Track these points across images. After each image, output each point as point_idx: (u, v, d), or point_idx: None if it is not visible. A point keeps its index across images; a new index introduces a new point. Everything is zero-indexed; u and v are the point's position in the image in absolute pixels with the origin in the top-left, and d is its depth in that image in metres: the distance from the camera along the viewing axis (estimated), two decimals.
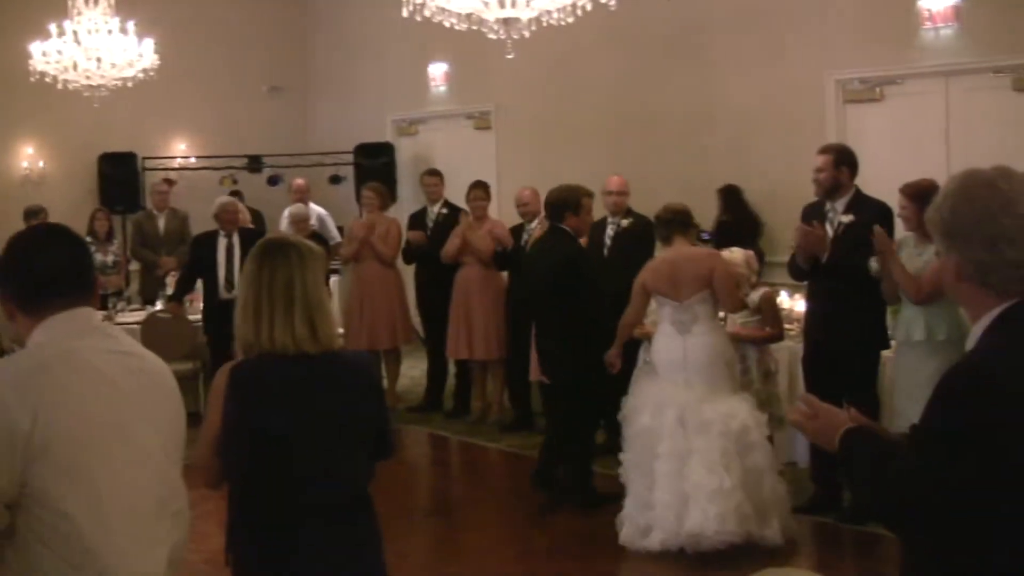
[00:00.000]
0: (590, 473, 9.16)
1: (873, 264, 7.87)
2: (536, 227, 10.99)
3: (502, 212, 12.79)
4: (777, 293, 9.57)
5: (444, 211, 12.30)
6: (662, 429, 7.97)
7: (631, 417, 8.25)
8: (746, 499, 7.74)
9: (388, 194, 13.05)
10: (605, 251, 10.35)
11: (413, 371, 13.78)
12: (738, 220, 11.64)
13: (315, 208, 14.48)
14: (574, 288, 8.81)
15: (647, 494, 7.99)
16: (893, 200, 8.00)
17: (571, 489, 9.13)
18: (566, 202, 8.98)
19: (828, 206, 8.40)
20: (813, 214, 8.49)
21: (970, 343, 3.02)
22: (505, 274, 11.66)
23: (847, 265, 8.12)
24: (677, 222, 8.47)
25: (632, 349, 9.07)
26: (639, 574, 8.01)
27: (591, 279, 8.89)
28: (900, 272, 7.59)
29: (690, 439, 7.89)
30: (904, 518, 2.99)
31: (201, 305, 11.95)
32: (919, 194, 7.59)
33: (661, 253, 8.68)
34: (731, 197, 11.86)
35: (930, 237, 7.70)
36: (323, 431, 3.85)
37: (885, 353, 8.51)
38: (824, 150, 8.51)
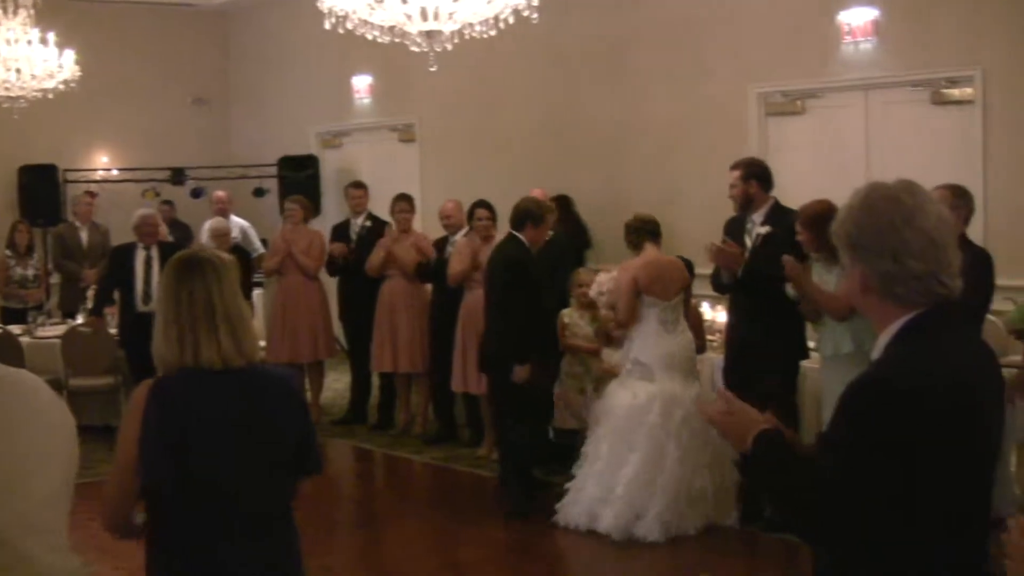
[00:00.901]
0: (520, 475, 9.33)
1: (789, 290, 7.94)
2: (460, 238, 11.03)
3: (426, 224, 12.80)
4: (699, 304, 9.67)
5: (368, 223, 12.29)
6: (670, 426, 8.40)
7: (635, 415, 8.51)
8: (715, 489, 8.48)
9: (311, 207, 13.05)
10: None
11: (337, 384, 13.78)
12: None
13: (237, 220, 14.44)
14: (520, 290, 9.04)
15: (642, 484, 8.35)
16: None
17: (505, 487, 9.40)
18: (529, 212, 9.27)
19: (748, 218, 8.52)
20: (734, 226, 8.61)
21: (875, 354, 3.07)
22: (429, 287, 11.66)
23: (766, 277, 8.21)
24: (647, 230, 8.88)
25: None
26: None
27: (535, 285, 9.11)
28: (819, 295, 7.64)
29: (682, 437, 8.40)
30: (806, 525, 3.04)
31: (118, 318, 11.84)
32: (812, 220, 7.56)
33: (638, 257, 8.86)
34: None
35: (836, 258, 7.85)
36: (246, 446, 3.83)
37: (805, 363, 8.62)
38: (734, 166, 8.62)
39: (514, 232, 9.33)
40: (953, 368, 2.96)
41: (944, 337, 3.01)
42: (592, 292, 9.27)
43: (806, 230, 7.70)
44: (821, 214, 7.46)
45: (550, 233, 9.67)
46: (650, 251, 8.85)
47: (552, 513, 8.74)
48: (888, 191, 3.04)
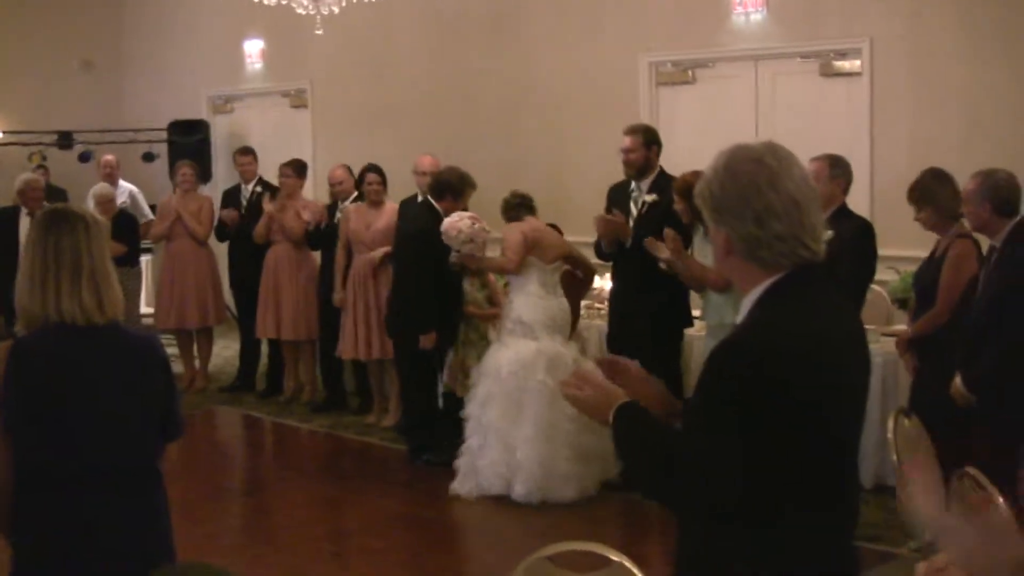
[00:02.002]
0: (421, 427, 9.69)
1: (661, 265, 7.98)
2: (349, 204, 11.01)
3: (319, 191, 12.71)
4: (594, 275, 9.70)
5: (258, 190, 12.19)
6: (555, 388, 8.30)
7: (521, 374, 8.56)
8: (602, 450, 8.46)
9: (201, 172, 12.90)
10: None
11: (226, 351, 13.67)
12: None
13: (126, 185, 14.22)
14: (430, 259, 9.19)
15: (541, 444, 8.48)
16: None
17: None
18: (451, 185, 9.44)
19: (633, 186, 8.54)
20: (619, 194, 8.65)
21: (740, 317, 3.07)
22: (317, 254, 11.60)
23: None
24: (525, 205, 9.10)
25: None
26: (448, 547, 8.16)
27: (444, 254, 9.18)
28: (699, 269, 7.69)
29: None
30: (667, 493, 3.06)
31: None
32: (688, 189, 7.62)
33: (527, 222, 8.99)
34: None
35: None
36: (106, 403, 3.79)
37: (690, 331, 8.70)
38: (633, 130, 8.64)
39: (432, 201, 9.46)
40: (814, 331, 2.96)
41: (806, 300, 3.01)
42: (453, 242, 9.05)
43: (681, 199, 7.78)
44: (692, 183, 7.54)
45: None
46: (531, 221, 9.01)
47: (439, 480, 8.78)
48: (751, 153, 3.03)
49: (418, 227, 9.49)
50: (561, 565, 4.00)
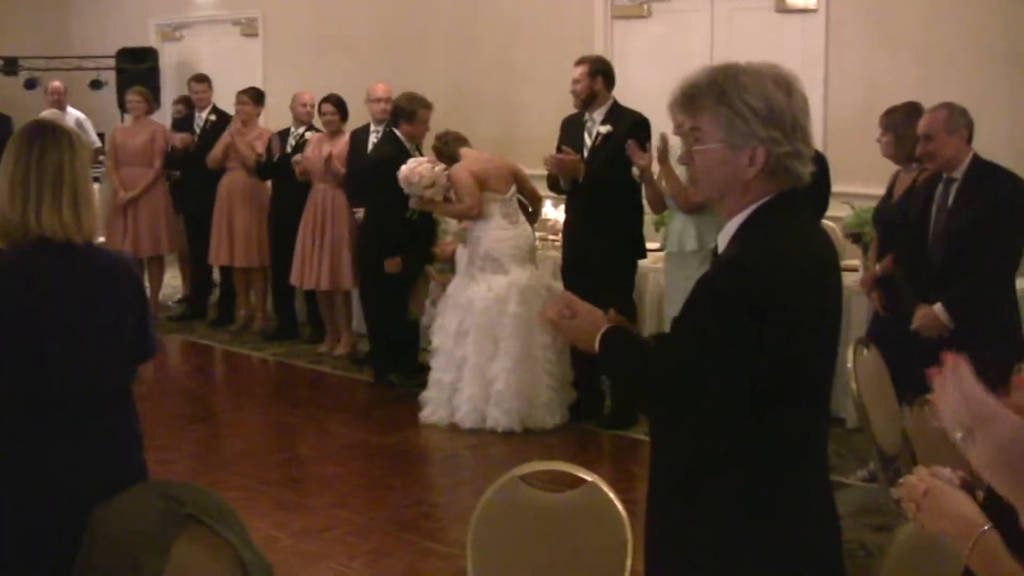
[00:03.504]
0: (388, 349, 9.88)
1: (635, 170, 8.04)
2: (303, 132, 11.06)
3: (269, 120, 12.60)
4: (542, 203, 9.70)
5: (212, 117, 12.12)
6: (532, 315, 8.34)
7: (494, 308, 8.60)
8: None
9: (153, 99, 12.78)
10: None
11: (176, 280, 13.57)
12: None
13: (74, 112, 14.06)
14: (392, 185, 9.09)
15: (521, 374, 8.54)
16: (657, 117, 8.15)
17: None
18: (400, 110, 9.58)
19: (587, 117, 8.56)
20: (572, 125, 8.64)
21: (722, 241, 3.08)
22: (269, 183, 11.54)
23: (604, 178, 8.28)
24: (455, 139, 9.06)
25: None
26: (407, 473, 8.17)
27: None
28: (677, 183, 7.71)
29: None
30: (672, 406, 3.06)
31: None
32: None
33: (466, 156, 8.94)
34: None
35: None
36: (82, 322, 3.77)
37: (643, 263, 8.74)
38: (580, 61, 8.63)
39: (392, 129, 9.63)
40: (811, 252, 3.02)
41: (797, 223, 3.05)
42: (415, 188, 8.98)
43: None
44: None
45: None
46: (470, 154, 8.98)
47: (395, 408, 8.85)
48: (761, 65, 3.05)
49: (380, 155, 9.63)
50: (534, 486, 4.02)
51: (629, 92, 9.01)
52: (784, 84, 3.00)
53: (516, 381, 8.49)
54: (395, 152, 9.36)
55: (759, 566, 3.00)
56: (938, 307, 6.31)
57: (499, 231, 8.75)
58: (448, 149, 8.99)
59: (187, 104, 12.52)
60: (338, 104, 10.65)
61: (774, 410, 2.94)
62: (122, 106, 14.76)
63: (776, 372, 2.90)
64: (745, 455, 2.99)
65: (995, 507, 2.51)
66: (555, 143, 8.71)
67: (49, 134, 3.81)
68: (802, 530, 3.03)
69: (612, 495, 3.86)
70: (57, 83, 14.17)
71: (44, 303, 3.72)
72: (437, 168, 8.86)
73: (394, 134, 9.60)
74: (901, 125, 7.10)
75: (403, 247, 9.45)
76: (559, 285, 8.50)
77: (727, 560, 3.02)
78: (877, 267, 7.36)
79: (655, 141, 7.89)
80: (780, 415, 2.96)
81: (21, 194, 3.73)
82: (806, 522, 3.04)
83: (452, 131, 9.11)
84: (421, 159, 9.08)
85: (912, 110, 7.09)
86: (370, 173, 9.71)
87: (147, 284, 12.20)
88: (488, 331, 8.61)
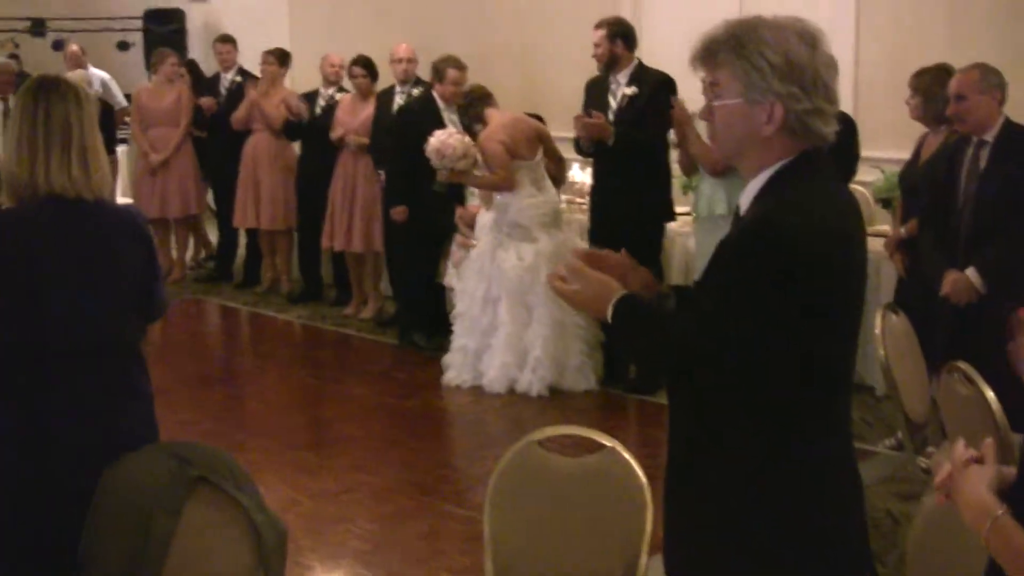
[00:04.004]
0: (411, 310, 9.85)
1: (672, 135, 7.95)
2: (333, 93, 10.98)
3: (295, 82, 12.52)
4: (570, 166, 9.60)
5: (238, 78, 12.05)
6: None
7: (526, 277, 8.54)
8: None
9: (181, 60, 12.71)
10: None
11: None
12: None
13: (98, 73, 13.97)
14: (404, 138, 9.30)
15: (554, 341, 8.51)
16: (685, 77, 8.05)
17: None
18: (434, 69, 9.60)
19: (611, 79, 8.44)
20: (596, 87, 8.53)
21: (745, 201, 2.98)
22: (297, 144, 11.47)
23: (631, 140, 8.17)
24: (483, 97, 8.87)
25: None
26: (429, 435, 8.11)
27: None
28: (698, 144, 7.61)
29: None
30: (693, 370, 2.96)
31: None
32: None
33: (491, 124, 8.75)
34: None
35: None
36: (90, 278, 3.70)
37: (671, 226, 8.64)
38: (599, 25, 8.51)
39: (427, 90, 9.77)
40: (832, 213, 2.89)
41: (823, 181, 2.95)
42: (447, 160, 8.81)
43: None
44: None
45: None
46: (495, 115, 8.79)
47: (417, 371, 8.83)
48: (789, 18, 2.94)
49: (405, 107, 9.86)
50: (551, 450, 3.95)
51: (655, 52, 8.88)
52: (808, 38, 2.89)
53: (552, 347, 8.44)
54: (420, 108, 9.43)
55: (768, 549, 2.92)
56: (971, 271, 6.19)
57: (527, 199, 8.63)
58: (473, 109, 8.85)
59: (191, 67, 12.38)
60: (367, 66, 10.53)
61: (792, 382, 2.84)
62: (150, 67, 14.75)
63: (798, 339, 2.80)
64: (760, 430, 2.89)
65: None
66: (579, 101, 8.60)
67: (54, 90, 3.73)
68: (816, 516, 2.93)
69: (632, 460, 3.79)
70: (74, 47, 14.03)
71: (46, 256, 3.65)
72: (467, 139, 8.76)
73: (430, 94, 9.59)
74: (931, 87, 6.98)
75: (406, 197, 9.48)
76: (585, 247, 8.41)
77: (736, 542, 2.94)
78: (901, 230, 7.24)
79: (676, 105, 7.77)
80: (798, 387, 2.86)
81: (29, 152, 3.67)
82: (821, 507, 2.93)
83: (477, 90, 8.95)
84: (451, 130, 8.94)
85: (942, 72, 6.97)
86: (393, 126, 9.71)
87: (173, 245, 12.24)
88: (521, 299, 8.55)
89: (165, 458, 3.64)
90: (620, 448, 3.82)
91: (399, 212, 9.50)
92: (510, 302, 8.56)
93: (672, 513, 3.12)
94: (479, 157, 8.67)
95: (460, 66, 9.45)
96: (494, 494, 3.91)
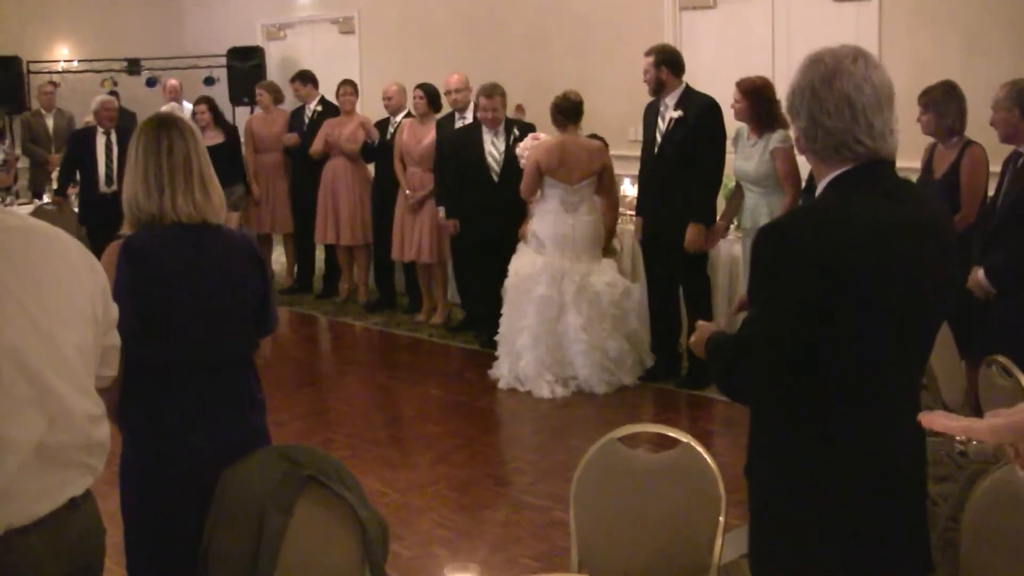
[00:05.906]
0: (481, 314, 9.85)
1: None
2: (400, 120, 10.90)
3: (366, 109, 12.53)
4: (621, 181, 9.53)
5: (319, 108, 12.07)
6: (564, 298, 8.42)
7: (521, 285, 8.54)
8: (621, 353, 8.52)
9: (279, 91, 12.73)
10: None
11: (282, 258, 13.53)
12: None
13: (188, 105, 14.02)
14: (450, 156, 9.78)
15: (542, 351, 8.46)
16: (725, 101, 8.06)
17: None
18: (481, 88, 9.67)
19: (661, 102, 8.40)
20: (650, 111, 8.53)
21: None
22: (372, 165, 11.48)
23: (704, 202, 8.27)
24: (573, 111, 8.68)
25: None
26: (502, 432, 8.14)
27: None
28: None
29: (581, 307, 8.43)
30: (739, 388, 2.96)
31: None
32: (751, 89, 7.78)
33: (553, 138, 8.73)
34: None
35: (761, 130, 7.85)
36: (213, 298, 3.70)
37: None
38: (648, 53, 8.47)
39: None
40: (856, 214, 2.79)
41: (863, 191, 2.84)
42: (518, 151, 9.05)
43: (743, 96, 7.85)
44: (759, 85, 7.81)
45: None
46: (571, 132, 8.67)
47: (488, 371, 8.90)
48: (817, 54, 2.92)
49: (458, 130, 10.00)
50: (630, 446, 3.90)
51: (697, 78, 8.82)
52: (822, 68, 2.89)
53: (586, 345, 8.40)
54: (465, 131, 9.82)
55: (803, 542, 2.92)
56: (980, 272, 6.14)
57: (550, 215, 8.59)
58: (564, 117, 8.64)
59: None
60: (427, 91, 10.52)
61: (800, 375, 2.78)
62: (233, 100, 14.85)
63: (801, 335, 2.73)
64: (790, 421, 2.89)
65: None
66: (626, 126, 8.58)
67: (172, 127, 3.74)
68: (852, 506, 2.87)
69: (706, 455, 3.73)
70: (173, 81, 14.21)
71: (175, 279, 3.65)
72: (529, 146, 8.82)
73: (476, 118, 9.73)
74: (941, 102, 6.92)
75: (452, 205, 9.79)
76: (608, 279, 8.54)
77: (775, 530, 2.97)
78: None
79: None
80: (805, 380, 2.79)
81: (156, 186, 3.67)
82: (854, 499, 2.87)
83: (579, 103, 8.70)
84: (540, 134, 9.08)
85: (949, 87, 6.96)
86: (441, 144, 10.08)
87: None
88: (516, 305, 8.60)
89: (277, 460, 3.64)
90: (695, 443, 3.77)
91: (450, 225, 9.82)
92: (509, 303, 8.66)
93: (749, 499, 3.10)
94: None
95: (488, 94, 9.45)
96: (578, 486, 3.87)
